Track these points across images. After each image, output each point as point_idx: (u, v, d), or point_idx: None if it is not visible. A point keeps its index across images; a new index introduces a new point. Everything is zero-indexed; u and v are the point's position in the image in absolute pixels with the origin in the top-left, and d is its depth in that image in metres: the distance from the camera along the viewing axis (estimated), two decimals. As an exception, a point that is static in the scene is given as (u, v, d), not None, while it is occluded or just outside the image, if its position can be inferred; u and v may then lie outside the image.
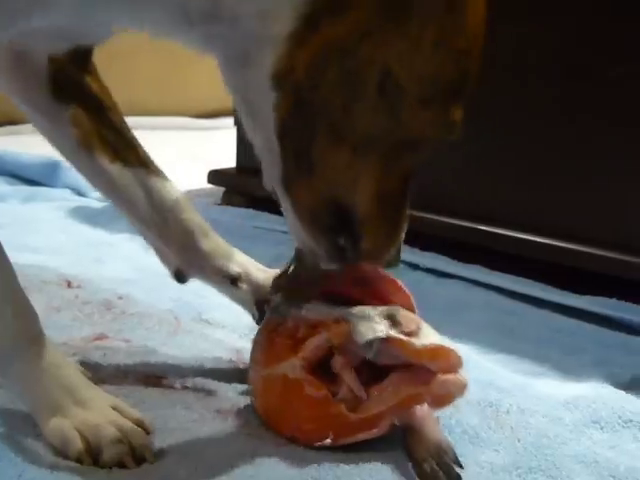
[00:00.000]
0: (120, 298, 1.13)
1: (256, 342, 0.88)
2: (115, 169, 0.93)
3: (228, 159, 1.75)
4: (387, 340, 0.79)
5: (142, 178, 0.94)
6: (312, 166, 0.74)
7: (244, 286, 0.95)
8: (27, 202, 1.69)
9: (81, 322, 1.05)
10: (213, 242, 0.95)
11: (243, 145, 1.70)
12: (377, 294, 0.85)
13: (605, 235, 1.26)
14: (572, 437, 0.84)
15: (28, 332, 0.80)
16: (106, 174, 0.93)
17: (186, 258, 0.94)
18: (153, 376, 0.91)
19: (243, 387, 0.91)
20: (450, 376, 0.80)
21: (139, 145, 0.96)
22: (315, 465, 0.76)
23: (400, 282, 0.86)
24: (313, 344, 0.82)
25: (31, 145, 2.17)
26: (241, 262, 0.95)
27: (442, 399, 0.80)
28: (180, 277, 0.96)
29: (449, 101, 0.73)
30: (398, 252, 0.80)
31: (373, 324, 0.80)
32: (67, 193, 1.77)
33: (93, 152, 0.93)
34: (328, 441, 0.79)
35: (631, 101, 1.24)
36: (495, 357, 1.04)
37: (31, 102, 0.92)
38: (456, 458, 0.77)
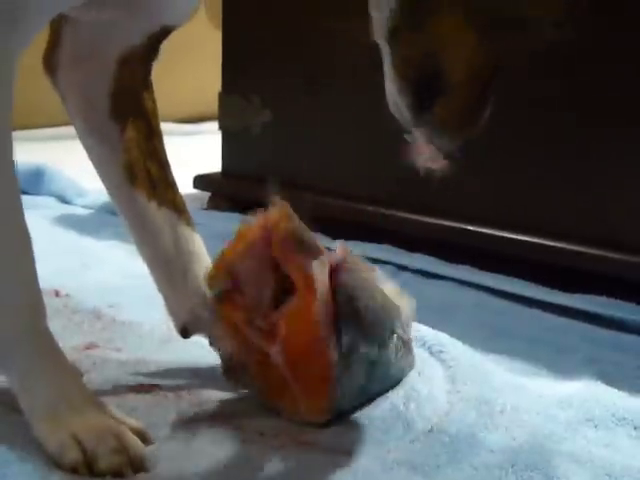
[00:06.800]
0: (110, 306, 1.13)
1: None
2: (151, 207, 0.90)
3: (213, 164, 1.75)
4: None
5: (174, 224, 0.91)
6: (422, 23, 0.74)
7: None
8: (12, 210, 1.67)
9: (71, 331, 1.04)
10: None
11: (228, 149, 1.69)
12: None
13: (594, 233, 1.26)
14: (567, 436, 0.84)
15: (36, 325, 0.78)
16: (141, 210, 0.90)
17: (196, 317, 0.92)
18: (145, 384, 0.91)
19: (237, 394, 0.90)
20: None
21: (175, 184, 0.93)
22: (314, 469, 0.76)
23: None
24: None
25: (15, 152, 2.16)
26: None
27: None
28: (185, 333, 0.94)
29: None
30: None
31: None
32: (52, 201, 1.75)
33: (135, 183, 0.90)
34: None
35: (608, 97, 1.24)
36: (487, 357, 1.03)
37: (89, 122, 0.89)
38: None
